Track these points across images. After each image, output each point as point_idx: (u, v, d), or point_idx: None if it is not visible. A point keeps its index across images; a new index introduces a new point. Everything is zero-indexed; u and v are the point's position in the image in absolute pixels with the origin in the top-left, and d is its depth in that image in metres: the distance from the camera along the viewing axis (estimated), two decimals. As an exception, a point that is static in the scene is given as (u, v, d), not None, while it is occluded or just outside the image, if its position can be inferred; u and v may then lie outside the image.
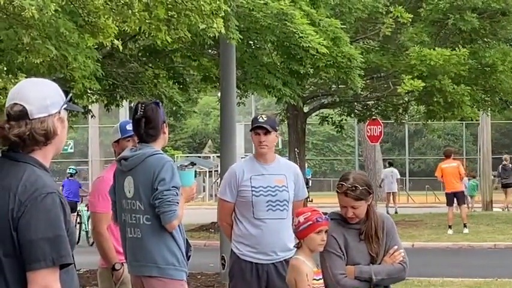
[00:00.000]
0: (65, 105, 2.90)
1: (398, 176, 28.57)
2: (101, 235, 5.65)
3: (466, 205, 18.47)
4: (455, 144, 50.26)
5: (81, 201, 19.59)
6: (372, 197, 4.45)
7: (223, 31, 7.96)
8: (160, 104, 5.23)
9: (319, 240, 4.55)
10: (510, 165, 26.45)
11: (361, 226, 4.41)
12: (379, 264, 4.43)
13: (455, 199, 18.15)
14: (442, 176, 18.33)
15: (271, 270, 5.68)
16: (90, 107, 16.00)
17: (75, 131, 27.05)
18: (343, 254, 4.36)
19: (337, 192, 4.41)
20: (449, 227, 18.25)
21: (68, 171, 20.64)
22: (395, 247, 4.43)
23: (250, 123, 6.03)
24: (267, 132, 5.68)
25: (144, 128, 5.05)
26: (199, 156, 46.70)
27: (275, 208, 5.67)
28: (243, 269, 5.70)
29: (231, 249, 5.84)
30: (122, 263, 5.55)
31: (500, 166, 26.68)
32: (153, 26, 7.66)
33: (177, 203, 4.93)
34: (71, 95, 2.98)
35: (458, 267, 13.26)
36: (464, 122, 39.32)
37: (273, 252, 5.69)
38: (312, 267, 4.56)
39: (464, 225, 18.12)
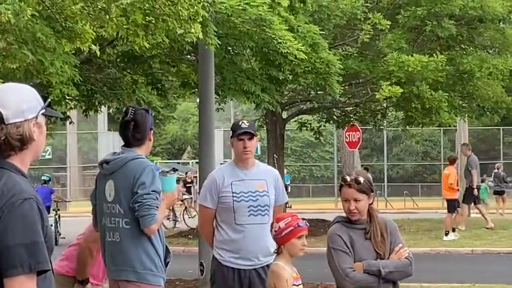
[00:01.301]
0: (43, 111, 2.88)
1: None
2: (90, 254, 5.65)
3: (454, 214, 18.49)
4: (433, 150, 50.46)
5: (56, 205, 19.75)
6: (373, 196, 4.54)
7: (201, 36, 7.96)
8: (150, 111, 5.27)
9: (300, 245, 4.58)
10: (502, 173, 26.88)
11: (365, 226, 4.48)
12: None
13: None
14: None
15: (253, 276, 5.66)
16: (68, 113, 15.90)
17: (53, 137, 26.93)
18: (350, 251, 4.42)
19: (341, 185, 4.48)
20: (447, 232, 18.08)
21: (42, 178, 20.69)
22: (400, 245, 4.54)
23: (229, 129, 6.02)
24: (251, 137, 5.69)
25: (132, 131, 5.07)
26: (178, 163, 46.60)
27: (256, 213, 5.66)
28: (225, 275, 5.68)
29: (213, 255, 5.81)
30: (91, 284, 5.61)
31: (493, 173, 27.05)
32: (131, 31, 7.64)
33: (157, 207, 4.92)
34: (49, 100, 2.96)
35: (436, 272, 13.31)
36: (442, 128, 39.51)
37: (255, 258, 5.67)
38: (291, 273, 4.57)
39: (446, 233, 18.10)
